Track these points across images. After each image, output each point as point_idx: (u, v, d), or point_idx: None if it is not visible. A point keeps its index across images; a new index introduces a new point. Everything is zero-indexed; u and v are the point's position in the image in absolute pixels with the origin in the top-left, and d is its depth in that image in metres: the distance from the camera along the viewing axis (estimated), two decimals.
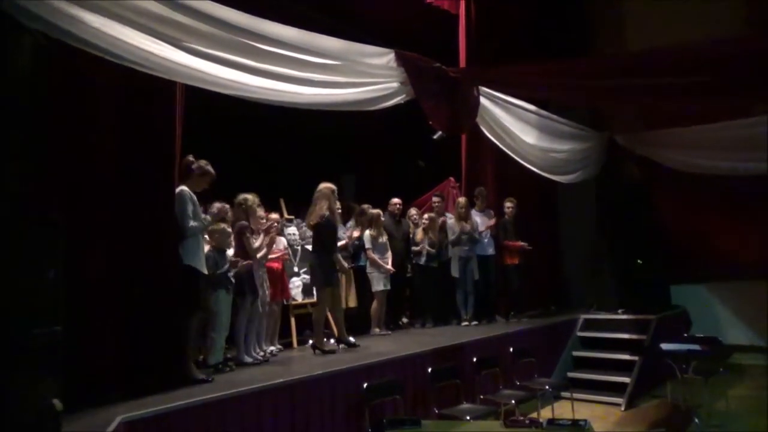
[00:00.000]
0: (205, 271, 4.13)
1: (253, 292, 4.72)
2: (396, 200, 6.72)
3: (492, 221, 6.92)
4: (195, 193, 4.15)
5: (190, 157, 4.18)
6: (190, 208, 4.01)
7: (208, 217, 4.18)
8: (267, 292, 5.06)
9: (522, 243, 7.05)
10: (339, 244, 6.17)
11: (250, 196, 4.93)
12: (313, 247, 5.30)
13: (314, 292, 5.55)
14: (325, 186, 5.21)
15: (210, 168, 4.23)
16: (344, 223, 6.51)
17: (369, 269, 6.20)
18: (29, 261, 2.23)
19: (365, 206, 6.45)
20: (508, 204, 7.16)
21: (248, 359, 4.62)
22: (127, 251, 3.69)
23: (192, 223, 3.99)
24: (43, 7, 2.96)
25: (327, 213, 5.11)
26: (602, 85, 5.90)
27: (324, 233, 5.14)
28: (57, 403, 2.30)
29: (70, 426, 2.75)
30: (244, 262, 4.56)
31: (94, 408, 3.18)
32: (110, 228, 3.62)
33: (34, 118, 2.60)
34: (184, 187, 4.05)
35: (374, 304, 6.14)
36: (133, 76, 3.61)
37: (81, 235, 3.35)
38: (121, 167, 3.72)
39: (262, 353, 4.95)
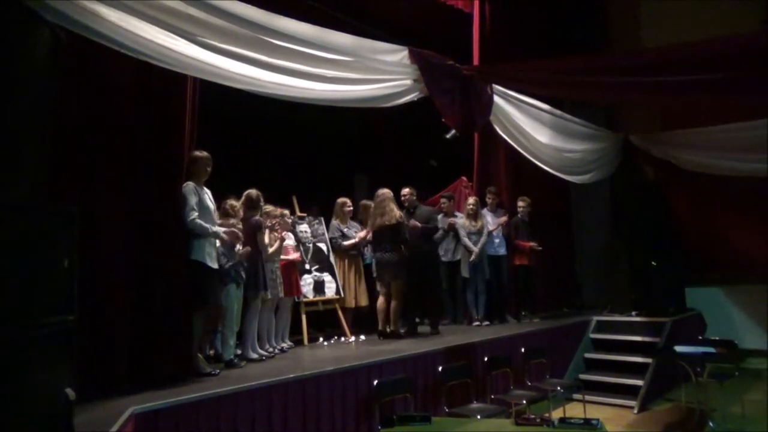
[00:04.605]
0: (213, 266, 4.12)
1: (263, 287, 4.73)
2: (405, 190, 6.31)
3: (503, 218, 6.88)
4: (206, 184, 4.16)
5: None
6: (193, 200, 3.99)
7: (219, 230, 4.14)
8: (280, 288, 5.08)
9: (531, 243, 7.00)
10: (349, 242, 6.23)
11: (255, 192, 4.92)
12: (392, 245, 5.62)
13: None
14: (387, 191, 5.78)
15: (198, 153, 4.14)
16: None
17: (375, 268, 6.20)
18: (45, 250, 2.24)
19: (365, 203, 6.47)
20: (520, 203, 7.11)
21: (254, 355, 4.63)
22: (138, 244, 3.72)
23: (192, 216, 3.95)
24: (62, 2, 3.00)
25: (402, 212, 5.72)
26: (617, 82, 5.83)
27: (405, 231, 5.67)
28: (70, 392, 2.30)
29: (82, 416, 2.77)
30: (243, 250, 4.55)
31: (104, 398, 3.20)
32: (122, 220, 3.66)
33: (51, 110, 2.61)
34: (188, 182, 4.04)
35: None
36: (149, 70, 3.65)
37: (94, 226, 3.39)
38: (134, 160, 3.76)
39: (271, 349, 4.96)
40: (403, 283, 5.64)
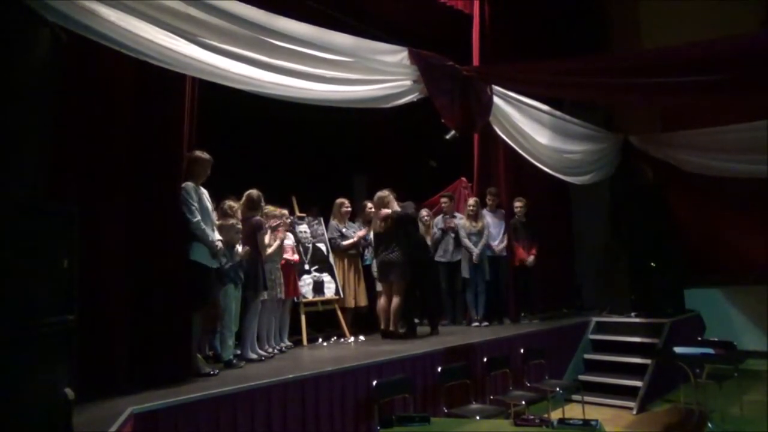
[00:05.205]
0: (212, 266, 4.12)
1: (263, 287, 4.73)
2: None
3: (504, 243, 6.89)
4: (204, 185, 4.15)
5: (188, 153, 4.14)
6: (195, 201, 3.99)
7: (216, 242, 4.14)
8: (281, 289, 5.08)
9: (530, 259, 6.97)
10: (348, 242, 6.24)
11: (257, 193, 4.92)
12: (397, 243, 5.63)
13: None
14: (388, 192, 5.82)
15: (201, 154, 4.14)
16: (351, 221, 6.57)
17: (374, 269, 6.21)
18: (44, 249, 2.24)
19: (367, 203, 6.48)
20: (517, 204, 7.11)
21: (253, 356, 4.63)
22: (138, 244, 3.72)
23: (196, 218, 3.96)
24: (62, 2, 3.01)
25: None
26: (617, 83, 5.84)
27: (410, 227, 5.80)
28: (69, 392, 2.30)
29: (81, 415, 2.77)
30: (243, 250, 4.54)
31: (103, 398, 3.21)
32: (121, 220, 3.65)
33: (51, 110, 2.62)
34: (187, 182, 4.04)
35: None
36: (148, 70, 3.65)
37: (94, 226, 3.38)
38: (133, 160, 3.76)
39: (271, 349, 4.96)
40: (406, 282, 5.65)
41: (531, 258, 6.99)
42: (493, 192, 7.02)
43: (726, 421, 5.02)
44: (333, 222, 6.37)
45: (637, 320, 6.80)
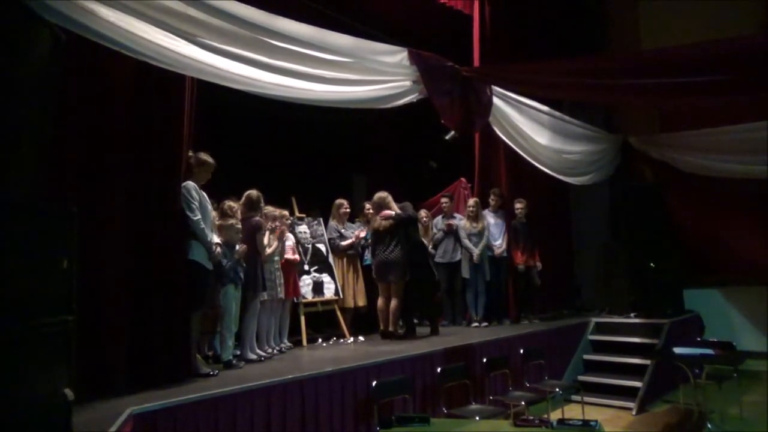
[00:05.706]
0: (210, 267, 4.11)
1: (262, 288, 4.73)
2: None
3: (504, 245, 6.89)
4: (202, 187, 4.15)
5: (190, 153, 4.13)
6: (193, 201, 3.99)
7: (214, 244, 4.14)
8: (280, 289, 5.08)
9: (521, 263, 6.99)
10: (346, 242, 6.24)
11: (256, 193, 4.92)
12: (397, 243, 5.61)
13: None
14: (386, 193, 5.82)
15: (207, 158, 4.15)
16: (351, 221, 6.57)
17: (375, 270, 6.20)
18: (44, 249, 2.24)
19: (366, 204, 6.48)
20: (517, 205, 7.11)
21: (252, 356, 4.62)
22: (137, 244, 3.72)
23: (197, 217, 3.96)
24: (62, 2, 3.01)
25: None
26: (616, 84, 5.85)
27: (410, 226, 5.79)
28: (68, 392, 2.30)
29: (81, 416, 2.77)
30: (241, 249, 4.53)
31: (102, 399, 3.20)
32: (121, 220, 3.65)
33: (51, 110, 2.61)
34: (188, 182, 4.04)
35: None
36: (147, 70, 3.65)
37: (94, 226, 3.38)
38: (133, 160, 3.76)
39: (270, 350, 4.96)
40: (405, 282, 5.65)
41: (538, 264, 7.04)
42: (497, 192, 7.00)
43: (725, 422, 5.02)
44: (332, 222, 6.37)
45: (637, 321, 6.80)
